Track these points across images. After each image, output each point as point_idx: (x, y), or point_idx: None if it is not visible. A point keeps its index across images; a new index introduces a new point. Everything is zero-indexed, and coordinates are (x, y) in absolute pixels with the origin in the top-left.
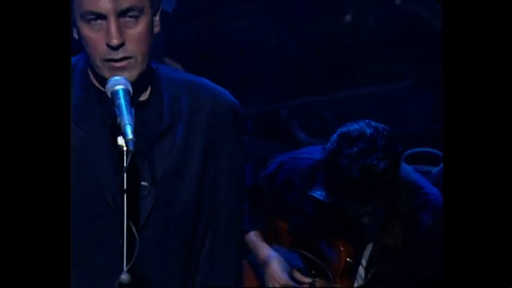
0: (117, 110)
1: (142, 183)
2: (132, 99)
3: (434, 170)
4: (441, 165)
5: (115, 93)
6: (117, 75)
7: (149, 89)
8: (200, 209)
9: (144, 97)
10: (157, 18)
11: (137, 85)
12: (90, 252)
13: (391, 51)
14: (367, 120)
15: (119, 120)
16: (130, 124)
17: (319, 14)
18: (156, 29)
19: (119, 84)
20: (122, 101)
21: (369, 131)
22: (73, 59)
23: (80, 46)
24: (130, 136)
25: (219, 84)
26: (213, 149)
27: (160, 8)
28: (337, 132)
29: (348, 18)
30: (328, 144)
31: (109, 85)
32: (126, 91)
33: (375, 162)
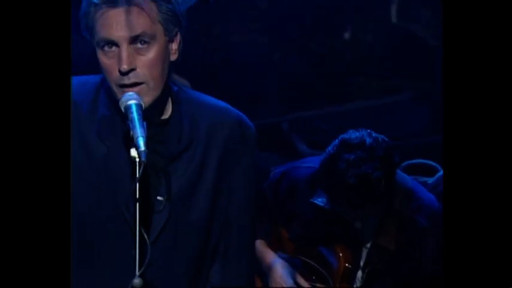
0: (130, 123)
1: (158, 197)
2: (153, 118)
3: (430, 180)
4: (437, 176)
5: (128, 108)
6: None
7: (170, 110)
8: (212, 225)
9: (165, 116)
10: (174, 46)
11: (155, 109)
12: (102, 258)
13: (388, 67)
14: (368, 130)
15: (132, 132)
16: (142, 136)
17: (320, 31)
18: (173, 57)
19: (131, 99)
20: (135, 114)
21: (368, 140)
22: (98, 77)
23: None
24: (142, 148)
25: (224, 98)
26: (228, 169)
27: (178, 36)
28: (339, 138)
29: (347, 35)
30: (329, 148)
31: (122, 100)
32: (138, 106)
33: (370, 171)
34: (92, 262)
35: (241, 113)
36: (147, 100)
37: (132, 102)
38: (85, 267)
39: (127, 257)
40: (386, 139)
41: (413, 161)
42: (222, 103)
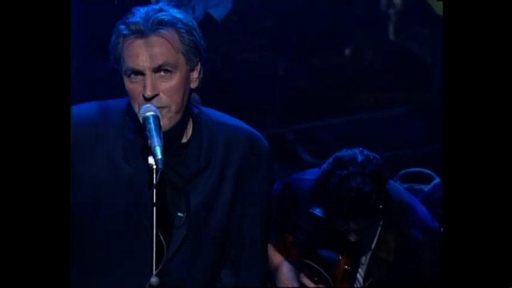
0: (148, 133)
1: (179, 214)
2: (174, 142)
3: (426, 188)
4: (432, 184)
5: (146, 119)
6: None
7: (190, 132)
8: (228, 236)
9: (185, 139)
10: (195, 74)
11: (175, 131)
12: (122, 261)
13: (387, 82)
14: (360, 149)
15: (149, 142)
16: (159, 145)
17: (322, 47)
18: (194, 84)
19: (149, 111)
20: (152, 125)
21: (360, 157)
22: (120, 102)
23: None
24: (159, 156)
25: (232, 111)
26: (244, 183)
27: (199, 65)
28: (333, 156)
29: (348, 51)
30: (324, 165)
31: (141, 111)
32: (155, 117)
33: (362, 185)
34: (113, 264)
35: (255, 131)
36: (169, 123)
37: (150, 113)
38: (106, 269)
39: (145, 260)
40: (377, 156)
41: (410, 169)
42: (238, 121)
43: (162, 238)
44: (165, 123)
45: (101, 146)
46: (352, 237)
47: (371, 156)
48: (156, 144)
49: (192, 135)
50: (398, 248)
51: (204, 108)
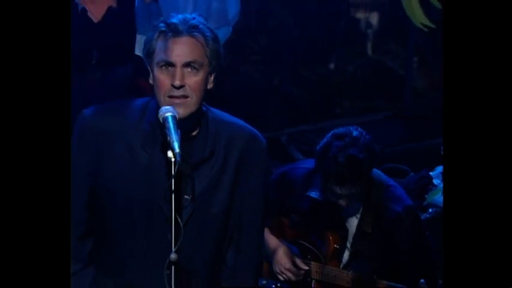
0: (167, 131)
1: (185, 196)
2: (185, 134)
3: (402, 181)
4: (408, 177)
5: (165, 119)
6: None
7: (198, 128)
8: (228, 218)
9: (194, 133)
10: (212, 77)
11: (189, 124)
12: (142, 241)
13: (366, 91)
14: (355, 126)
15: (168, 138)
16: (177, 141)
17: (311, 62)
18: (210, 85)
19: (168, 112)
20: (171, 124)
21: (355, 132)
22: (144, 100)
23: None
24: (177, 150)
25: (234, 116)
26: (243, 174)
27: (215, 70)
28: (331, 132)
29: (332, 65)
30: (323, 139)
31: (161, 113)
32: (173, 117)
33: (356, 153)
34: (133, 240)
35: (254, 129)
36: (187, 112)
37: (169, 114)
38: (127, 244)
39: (162, 239)
40: (369, 136)
41: (389, 165)
42: (239, 120)
43: (180, 221)
44: (183, 112)
45: (122, 136)
46: (343, 202)
47: (364, 133)
48: (174, 140)
49: (199, 130)
50: (377, 221)
51: (211, 108)
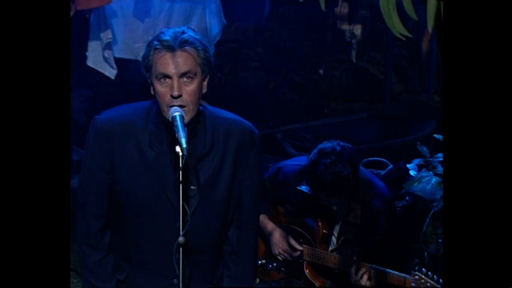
0: (175, 129)
1: (192, 187)
2: (188, 131)
3: (383, 172)
4: (387, 169)
5: (174, 118)
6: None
7: (198, 125)
8: (230, 202)
9: (194, 130)
10: (205, 83)
11: (190, 124)
12: (151, 229)
13: (351, 94)
14: (337, 141)
15: (176, 135)
16: (184, 137)
17: (302, 68)
18: (204, 90)
19: (177, 112)
20: (179, 122)
21: (338, 148)
22: (147, 104)
23: None
24: (184, 145)
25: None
26: (240, 163)
27: (208, 76)
28: (317, 148)
29: (321, 71)
30: (311, 156)
31: (169, 112)
32: (181, 116)
33: (341, 170)
34: (146, 228)
35: (249, 123)
36: (187, 118)
37: (177, 114)
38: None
39: (170, 226)
40: (350, 145)
41: (370, 158)
42: (232, 115)
43: (187, 208)
44: (185, 119)
45: (132, 137)
46: (333, 207)
47: (346, 146)
48: (182, 136)
49: (199, 127)
50: (363, 214)
51: (207, 106)
